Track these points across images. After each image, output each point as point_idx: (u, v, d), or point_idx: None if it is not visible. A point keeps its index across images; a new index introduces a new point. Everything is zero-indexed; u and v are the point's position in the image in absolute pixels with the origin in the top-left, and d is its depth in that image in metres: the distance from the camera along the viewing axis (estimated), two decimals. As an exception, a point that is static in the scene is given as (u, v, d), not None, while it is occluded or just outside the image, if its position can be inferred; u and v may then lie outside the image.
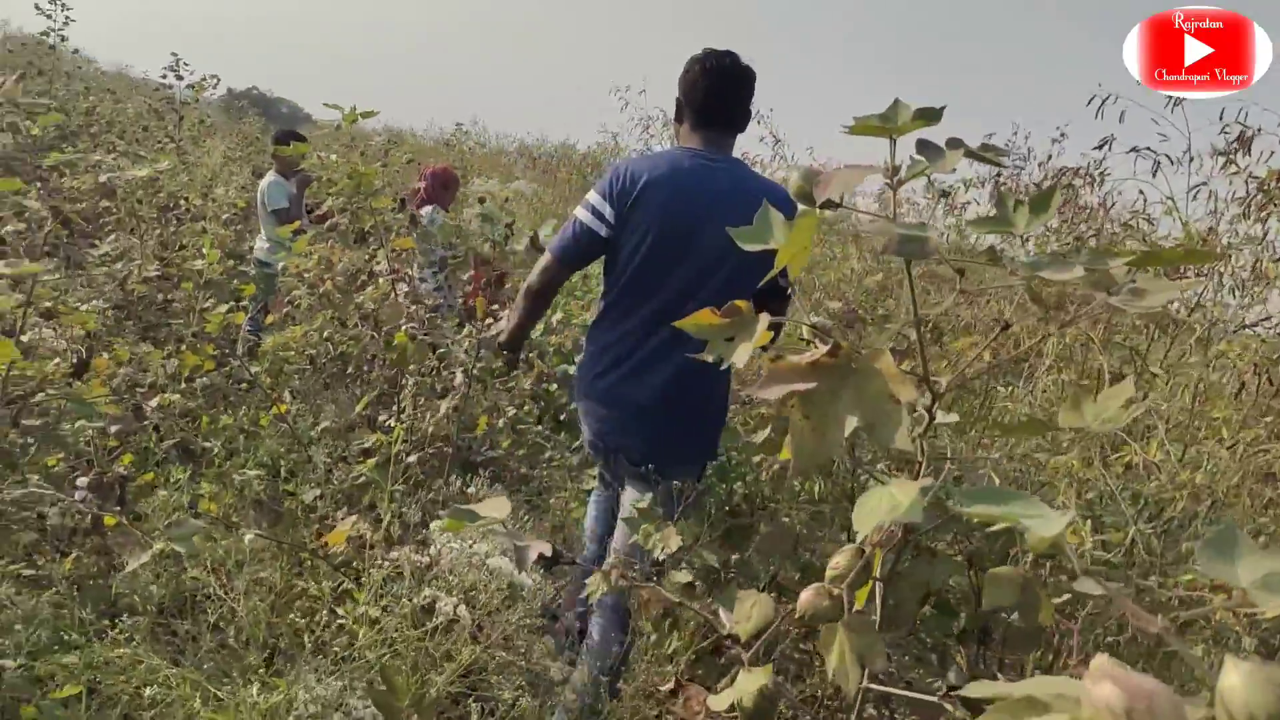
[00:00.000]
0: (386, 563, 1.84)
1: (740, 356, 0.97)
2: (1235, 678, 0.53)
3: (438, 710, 1.72)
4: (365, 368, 3.76)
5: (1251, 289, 3.91)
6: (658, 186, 2.39)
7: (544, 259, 2.56)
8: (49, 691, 1.83)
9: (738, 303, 1.02)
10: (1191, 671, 2.24)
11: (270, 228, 5.84)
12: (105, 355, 3.01)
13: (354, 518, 2.23)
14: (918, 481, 0.91)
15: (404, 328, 3.11)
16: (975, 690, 0.76)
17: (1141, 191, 4.41)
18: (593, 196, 2.46)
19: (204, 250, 3.76)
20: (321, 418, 3.48)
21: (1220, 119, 4.01)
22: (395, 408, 3.27)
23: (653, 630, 2.08)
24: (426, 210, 5.10)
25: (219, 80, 8.85)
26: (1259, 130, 3.93)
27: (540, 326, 4.21)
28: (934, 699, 1.09)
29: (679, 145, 2.57)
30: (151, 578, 2.32)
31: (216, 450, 3.09)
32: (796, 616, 1.00)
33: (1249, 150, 3.95)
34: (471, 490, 2.35)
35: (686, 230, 2.38)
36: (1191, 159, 4.04)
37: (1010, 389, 4.09)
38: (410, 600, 1.78)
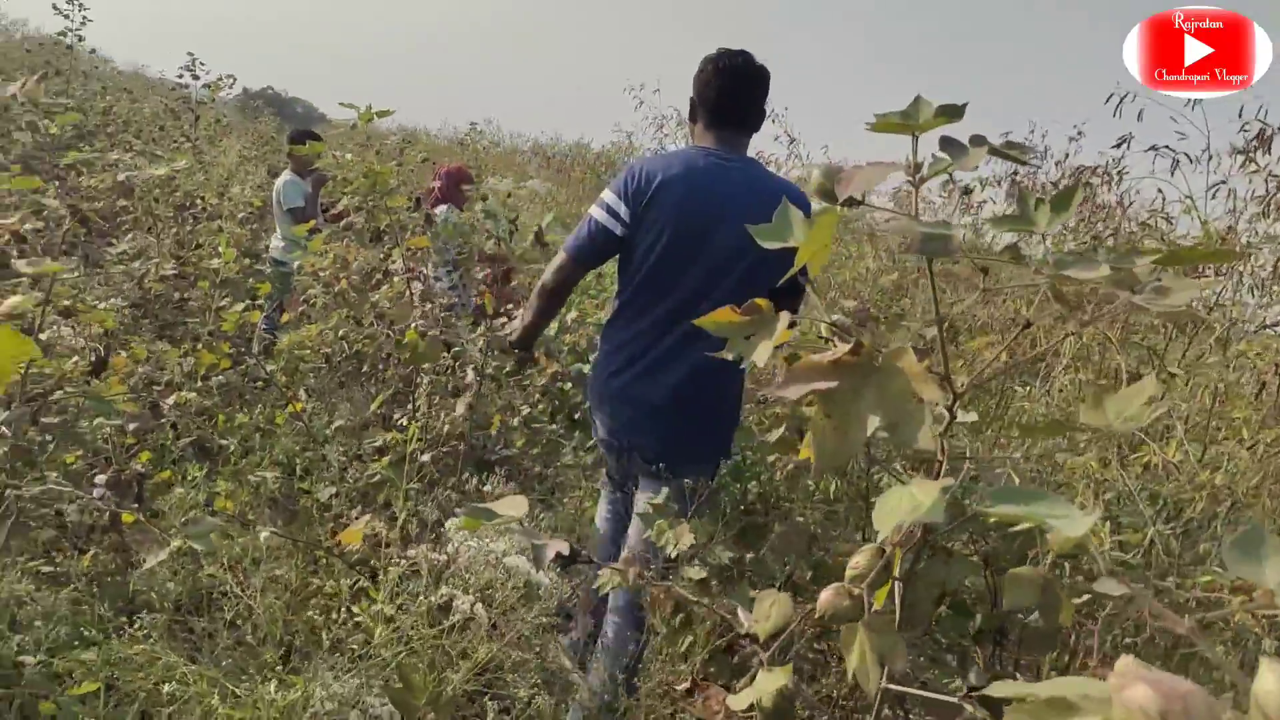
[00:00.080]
0: (403, 560, 1.84)
1: (760, 355, 0.96)
2: (1272, 681, 0.53)
3: (454, 708, 1.72)
4: (380, 366, 3.77)
5: (1271, 288, 3.88)
6: (672, 186, 2.38)
7: (559, 258, 2.56)
8: (67, 688, 1.84)
9: (758, 301, 1.02)
10: (1210, 674, 2.23)
11: (286, 227, 5.86)
12: (123, 353, 3.03)
13: (368, 516, 2.23)
14: (938, 481, 0.90)
15: (414, 325, 3.12)
16: (998, 690, 0.76)
17: (1160, 190, 4.38)
18: (608, 195, 2.46)
19: (220, 249, 3.77)
20: (336, 416, 3.49)
21: (1239, 116, 3.98)
22: (410, 406, 3.28)
23: (667, 628, 2.07)
24: (441, 209, 5.10)
25: (235, 80, 8.89)
26: (1279, 128, 3.90)
27: (555, 325, 4.21)
28: (954, 700, 1.09)
29: (693, 144, 2.57)
30: (169, 575, 2.33)
31: (233, 448, 3.11)
32: (816, 616, 0.99)
33: (1269, 148, 3.92)
34: (488, 489, 2.35)
35: (701, 229, 2.38)
36: (1210, 157, 4.01)
37: (1027, 389, 4.06)
38: (427, 598, 1.78)
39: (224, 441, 3.19)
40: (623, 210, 2.42)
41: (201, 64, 8.63)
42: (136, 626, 1.87)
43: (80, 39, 9.26)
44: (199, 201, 5.50)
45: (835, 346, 1.04)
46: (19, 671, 1.87)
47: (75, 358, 2.67)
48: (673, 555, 2.00)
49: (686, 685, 1.65)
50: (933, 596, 2.13)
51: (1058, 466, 3.09)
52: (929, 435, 0.85)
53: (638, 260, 2.45)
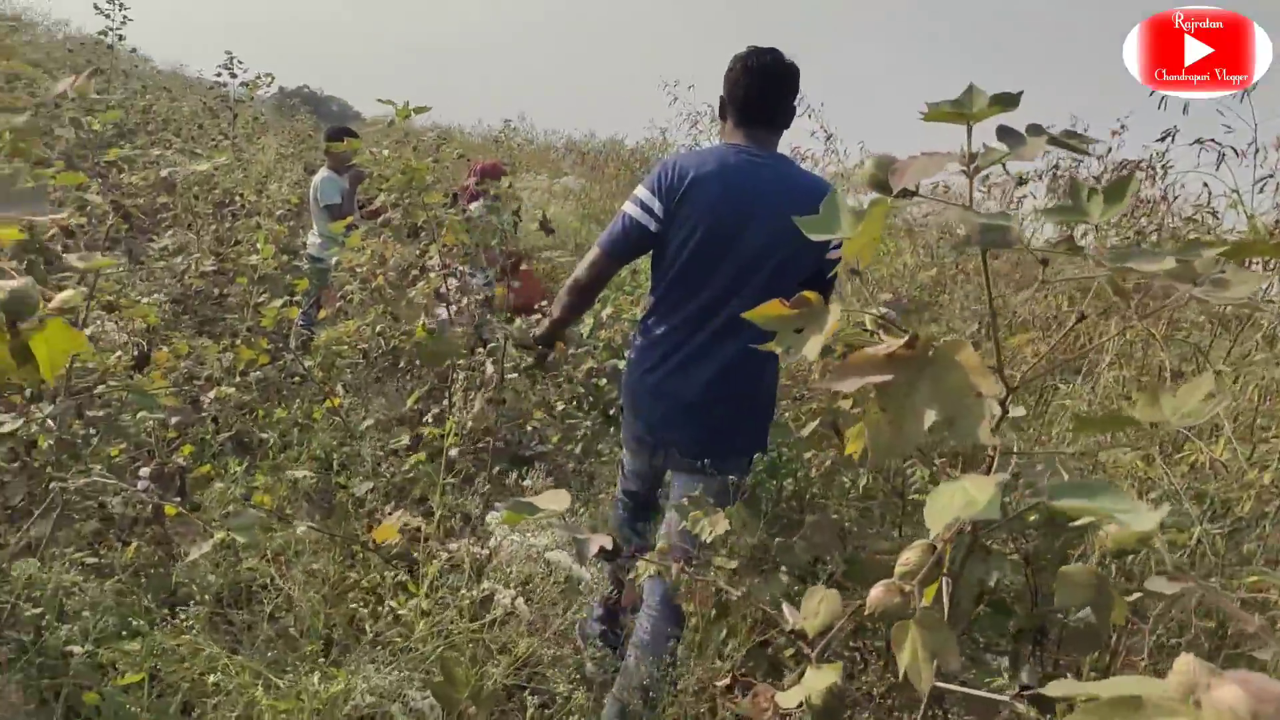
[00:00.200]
0: (446, 554, 1.84)
1: (811, 349, 0.95)
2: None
3: (494, 702, 1.73)
4: (416, 362, 3.78)
5: (1320, 284, 3.79)
6: (705, 183, 2.39)
7: (592, 253, 2.57)
8: (111, 678, 1.86)
9: (807, 294, 1.00)
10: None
11: (323, 223, 5.91)
12: (165, 349, 3.06)
13: (400, 512, 2.24)
14: (993, 477, 0.88)
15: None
16: (1054, 690, 0.74)
17: (1205, 184, 4.30)
18: (641, 192, 2.48)
19: (258, 245, 3.80)
20: (371, 412, 3.51)
21: (1288, 108, 3.90)
22: (446, 401, 3.29)
23: (705, 624, 2.07)
24: (476, 205, 5.11)
25: (273, 79, 8.97)
26: (1330, 121, 3.82)
27: (590, 320, 4.21)
28: (1005, 698, 1.07)
29: (725, 142, 2.57)
30: (210, 567, 2.36)
31: (272, 442, 3.13)
32: (866, 613, 0.98)
33: (1319, 141, 3.84)
34: (527, 483, 2.36)
35: (732, 227, 2.38)
36: (1257, 150, 3.93)
37: (1069, 386, 4.01)
38: (468, 592, 1.78)
39: (264, 435, 3.22)
40: (656, 206, 2.43)
41: (240, 63, 8.71)
42: (184, 618, 1.89)
43: (121, 38, 9.36)
44: (238, 198, 5.55)
45: (881, 340, 1.03)
46: (66, 661, 1.90)
47: (118, 352, 2.70)
48: (707, 541, 2.00)
49: (726, 681, 1.64)
50: (973, 595, 2.11)
51: (1099, 465, 3.05)
52: (989, 430, 0.84)
53: (670, 257, 2.46)
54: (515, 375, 3.17)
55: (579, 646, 2.04)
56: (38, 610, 1.94)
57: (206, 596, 2.21)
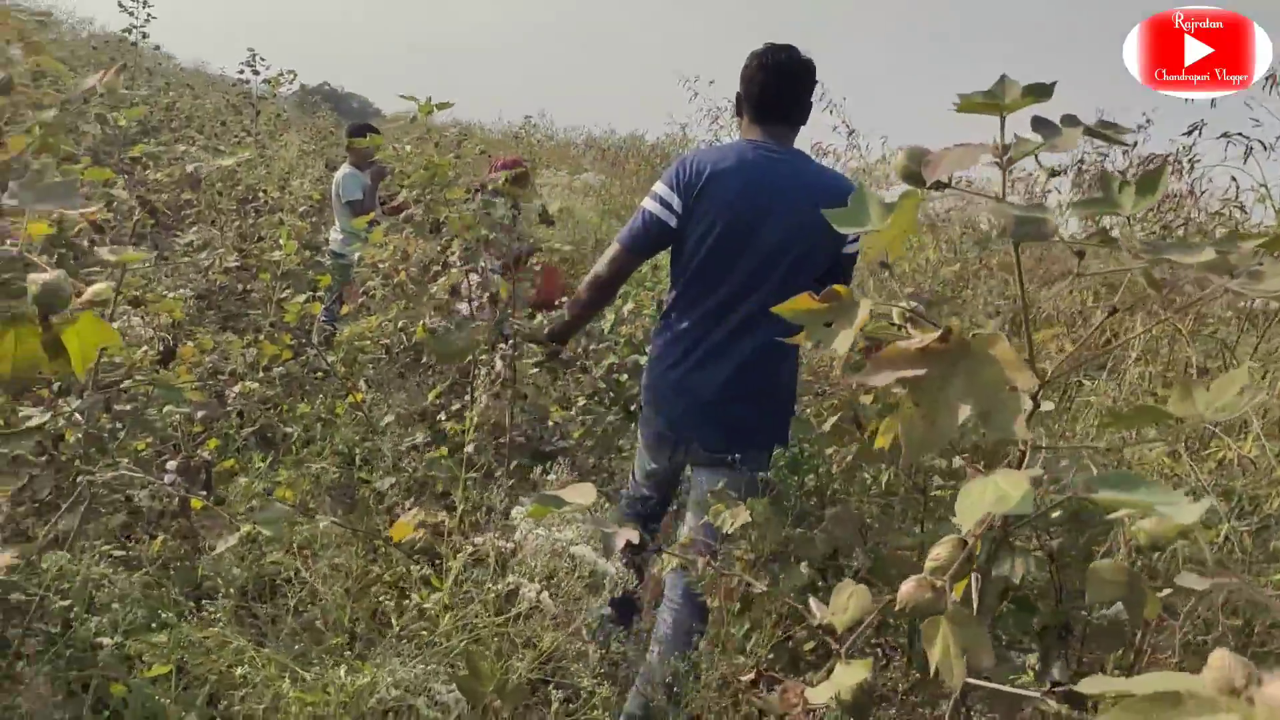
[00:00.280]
0: (471, 547, 1.85)
1: (841, 343, 0.94)
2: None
3: (519, 696, 1.73)
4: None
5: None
6: (723, 178, 2.40)
7: (612, 249, 2.59)
8: (138, 670, 1.87)
9: (837, 288, 1.00)
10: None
11: (345, 219, 5.93)
12: (190, 343, 3.08)
13: (417, 509, 2.25)
14: (1025, 471, 0.88)
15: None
16: (1088, 686, 0.73)
17: (1233, 178, 4.26)
18: (660, 188, 2.48)
19: (281, 242, 3.82)
20: (391, 407, 3.52)
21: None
22: (469, 397, 3.30)
23: (729, 618, 2.06)
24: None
25: (295, 76, 9.02)
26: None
27: (611, 317, 4.21)
28: (1036, 694, 1.06)
29: (743, 138, 2.57)
30: (235, 561, 2.37)
31: (295, 437, 3.15)
32: (897, 608, 0.97)
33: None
34: (551, 477, 2.36)
35: (750, 222, 2.39)
36: (1286, 145, 3.90)
37: (1094, 382, 3.98)
38: (493, 586, 1.79)
39: (287, 430, 3.23)
40: (675, 202, 2.44)
41: (262, 60, 8.77)
42: (211, 610, 1.90)
43: (145, 36, 9.43)
44: (261, 195, 5.58)
45: (909, 334, 1.02)
46: (94, 653, 1.92)
47: (144, 347, 2.72)
48: (729, 533, 2.00)
49: (751, 676, 1.63)
50: (997, 591, 2.09)
51: (1124, 461, 3.03)
52: (1024, 425, 0.83)
53: (689, 252, 2.47)
54: (536, 371, 3.17)
55: (597, 640, 2.05)
56: (66, 603, 1.95)
57: (232, 590, 2.22)
